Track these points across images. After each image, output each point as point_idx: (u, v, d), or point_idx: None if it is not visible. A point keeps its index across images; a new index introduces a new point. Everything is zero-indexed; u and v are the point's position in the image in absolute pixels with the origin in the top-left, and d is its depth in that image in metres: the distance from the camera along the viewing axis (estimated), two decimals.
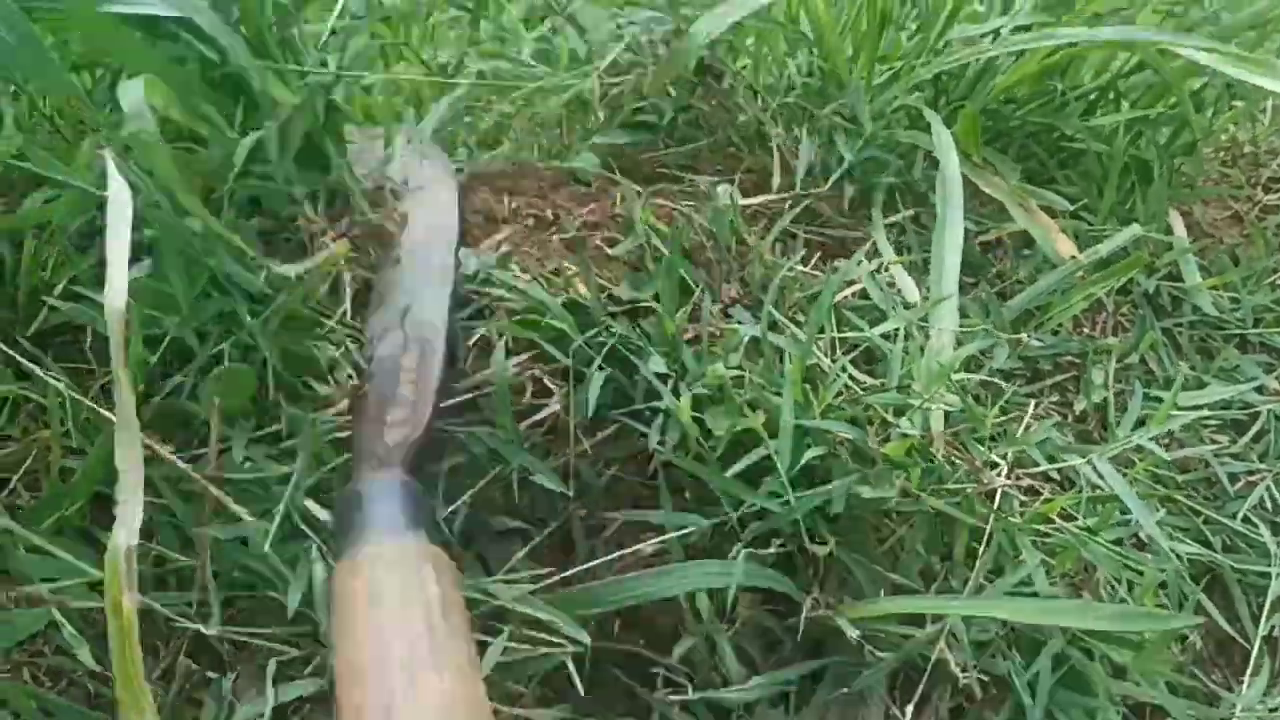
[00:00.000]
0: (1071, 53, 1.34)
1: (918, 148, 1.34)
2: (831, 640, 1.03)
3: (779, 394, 0.99)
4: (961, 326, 1.18)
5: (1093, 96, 1.45)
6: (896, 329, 1.10)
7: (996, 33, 1.35)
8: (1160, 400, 1.25)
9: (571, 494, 0.99)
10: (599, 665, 0.98)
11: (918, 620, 0.99)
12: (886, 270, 1.21)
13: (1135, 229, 1.29)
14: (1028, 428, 1.13)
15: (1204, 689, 1.11)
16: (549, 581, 0.94)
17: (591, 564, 0.97)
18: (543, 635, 0.91)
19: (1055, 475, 1.13)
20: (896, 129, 1.34)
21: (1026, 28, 1.34)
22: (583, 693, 0.91)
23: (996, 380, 1.17)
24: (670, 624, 1.01)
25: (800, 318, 1.13)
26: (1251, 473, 1.24)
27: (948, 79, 1.41)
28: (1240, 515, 1.20)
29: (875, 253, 1.23)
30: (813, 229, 1.26)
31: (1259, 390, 1.29)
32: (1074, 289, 1.26)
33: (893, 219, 1.30)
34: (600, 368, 0.99)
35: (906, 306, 1.15)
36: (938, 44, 1.36)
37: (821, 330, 1.07)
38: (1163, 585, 1.09)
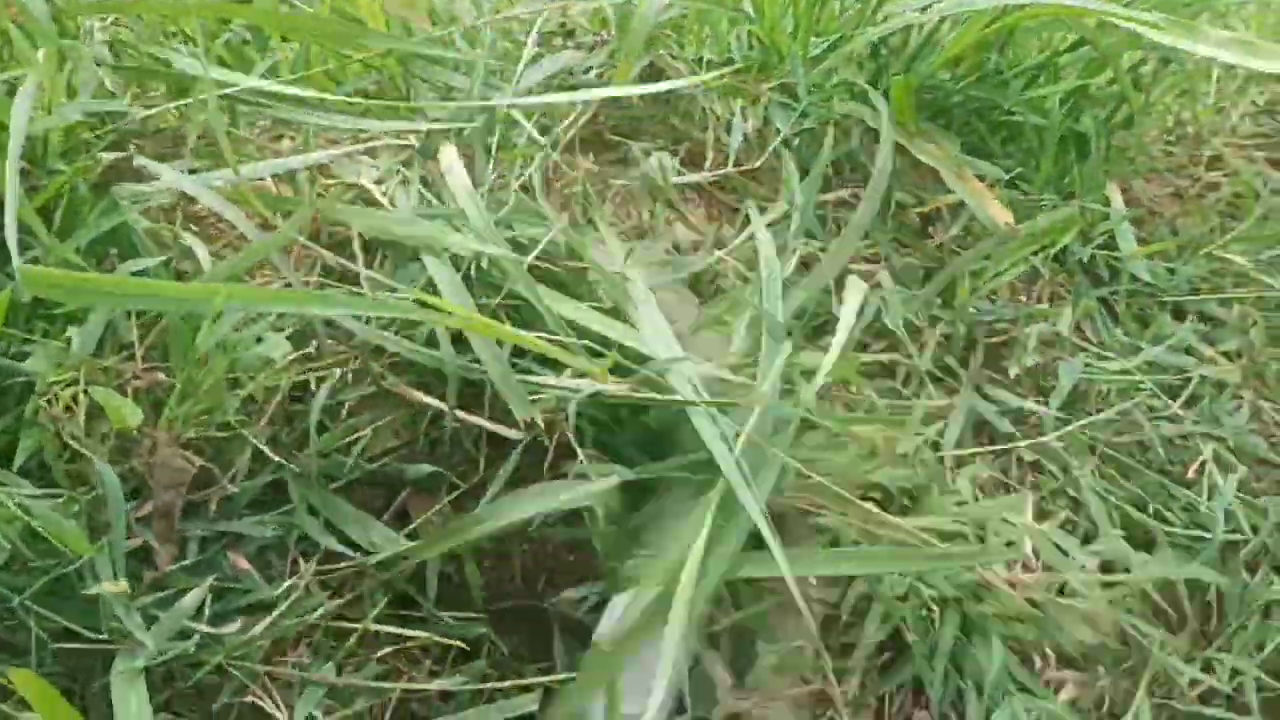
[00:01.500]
0: (1010, 23, 1.35)
1: (861, 122, 1.36)
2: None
3: None
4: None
5: (1032, 73, 1.46)
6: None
7: (928, 5, 1.37)
8: (1093, 366, 1.26)
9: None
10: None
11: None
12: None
13: (1073, 207, 1.30)
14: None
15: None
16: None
17: None
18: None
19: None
20: (835, 102, 1.35)
21: None
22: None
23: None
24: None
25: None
26: (1185, 436, 1.25)
27: (888, 54, 1.42)
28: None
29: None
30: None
31: (1190, 354, 1.30)
32: (1007, 256, 1.27)
33: (830, 193, 1.31)
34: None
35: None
36: (875, 17, 1.37)
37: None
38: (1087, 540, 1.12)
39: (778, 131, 1.30)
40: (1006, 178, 1.34)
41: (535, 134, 1.18)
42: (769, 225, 1.21)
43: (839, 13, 1.40)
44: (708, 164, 1.24)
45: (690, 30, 1.41)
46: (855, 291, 1.06)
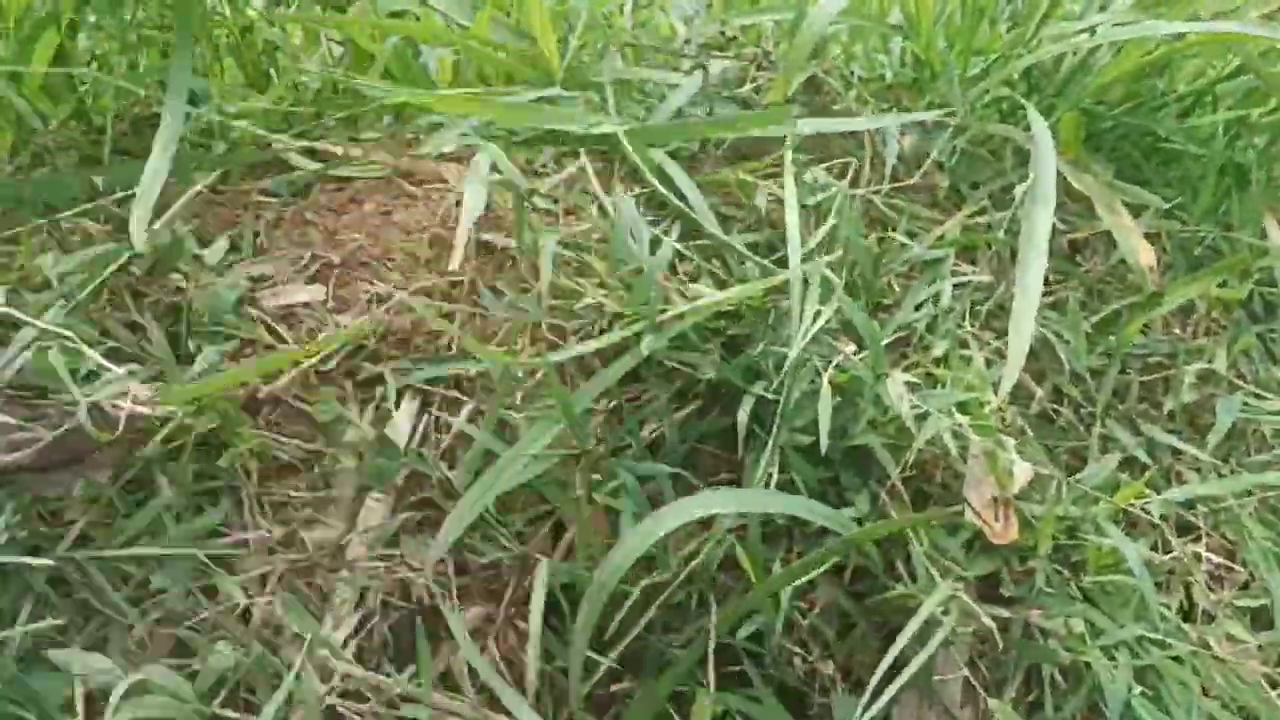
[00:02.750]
0: (1169, 51, 1.32)
1: (1009, 141, 1.34)
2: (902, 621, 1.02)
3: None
4: (1043, 325, 1.19)
5: (1189, 100, 1.43)
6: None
7: (1093, 30, 1.34)
8: (1250, 405, 1.23)
9: None
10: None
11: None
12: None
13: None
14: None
15: None
16: None
17: None
18: None
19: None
20: (988, 123, 1.33)
21: (1124, 25, 1.32)
22: None
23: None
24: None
25: (886, 300, 1.13)
26: None
27: (1040, 76, 1.40)
28: None
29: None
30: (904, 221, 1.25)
31: None
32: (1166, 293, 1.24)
33: (981, 216, 1.28)
34: None
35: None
36: (1033, 40, 1.34)
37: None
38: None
39: (926, 152, 1.28)
40: (1166, 207, 1.30)
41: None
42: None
43: (1000, 33, 1.37)
44: (864, 180, 1.22)
45: (842, 46, 1.40)
46: (1027, 324, 1.03)
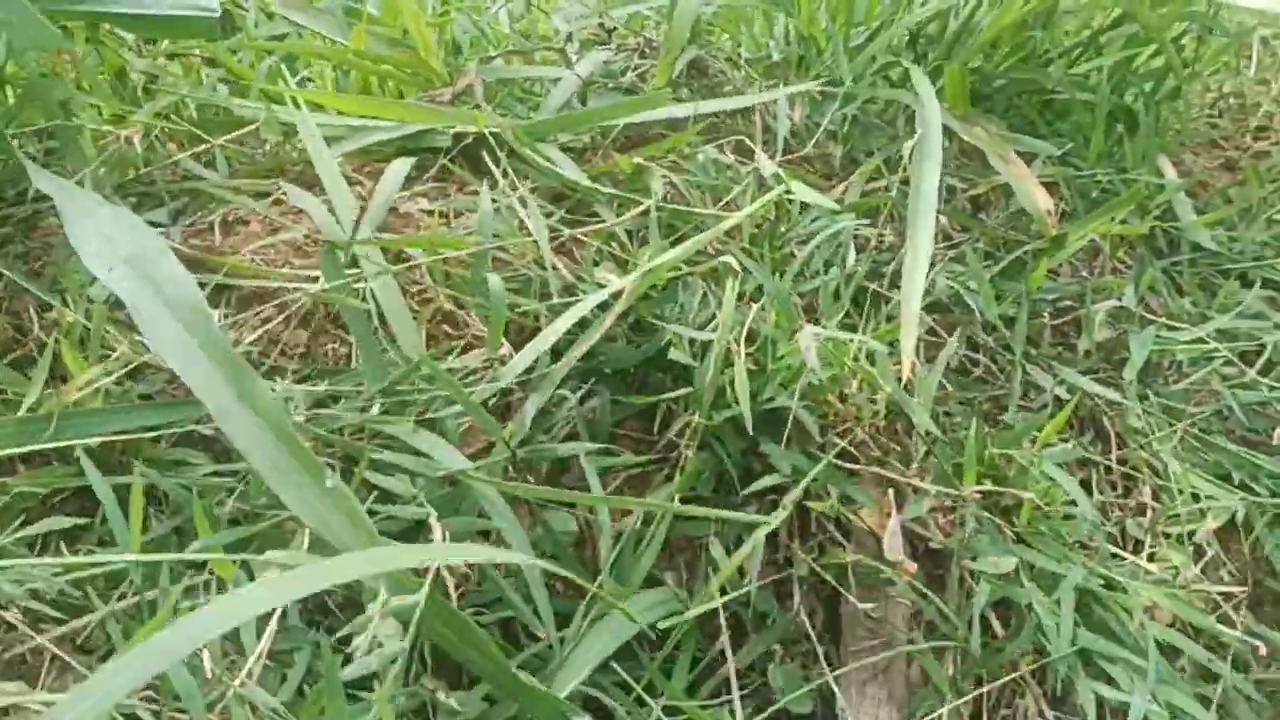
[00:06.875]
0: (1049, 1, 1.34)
1: (905, 109, 1.34)
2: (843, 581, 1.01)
3: None
4: (950, 279, 1.19)
5: (1075, 51, 1.44)
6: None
7: None
8: (1163, 337, 1.23)
9: None
10: None
11: None
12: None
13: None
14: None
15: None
16: None
17: None
18: None
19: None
20: (875, 89, 1.33)
21: None
22: None
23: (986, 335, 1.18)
24: None
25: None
26: (1263, 403, 1.21)
27: (926, 42, 1.41)
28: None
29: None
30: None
31: (1261, 319, 1.26)
32: (1069, 234, 1.25)
33: (879, 180, 1.28)
34: None
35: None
36: (913, 4, 1.36)
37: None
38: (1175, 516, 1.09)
39: (817, 124, 1.28)
40: (1058, 154, 1.31)
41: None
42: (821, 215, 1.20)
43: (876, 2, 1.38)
44: (758, 155, 1.22)
45: (725, 28, 1.40)
46: (919, 276, 1.03)
